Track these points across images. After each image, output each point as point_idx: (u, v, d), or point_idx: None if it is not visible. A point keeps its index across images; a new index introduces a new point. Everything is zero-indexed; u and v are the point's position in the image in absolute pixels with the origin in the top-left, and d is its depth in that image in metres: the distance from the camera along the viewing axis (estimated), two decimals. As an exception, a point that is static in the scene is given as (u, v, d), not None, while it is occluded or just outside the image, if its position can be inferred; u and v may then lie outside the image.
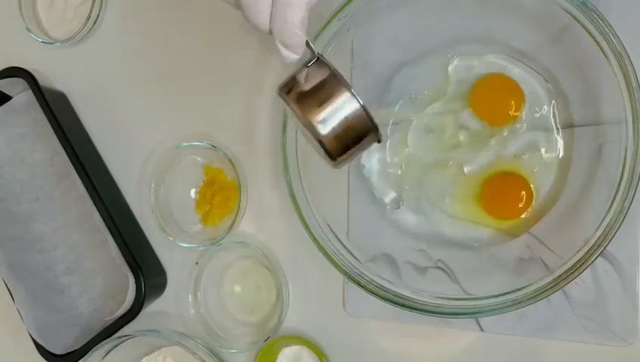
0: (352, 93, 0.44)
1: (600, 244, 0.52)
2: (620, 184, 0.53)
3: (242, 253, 0.66)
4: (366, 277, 0.57)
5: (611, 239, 0.52)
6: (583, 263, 0.53)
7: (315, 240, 0.57)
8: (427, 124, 0.62)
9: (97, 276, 0.67)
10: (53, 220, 0.67)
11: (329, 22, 0.57)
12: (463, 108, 0.62)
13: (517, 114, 0.60)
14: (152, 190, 0.67)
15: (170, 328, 0.67)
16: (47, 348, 0.65)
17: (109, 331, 0.64)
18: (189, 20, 0.69)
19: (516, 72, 0.61)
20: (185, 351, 0.63)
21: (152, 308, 0.67)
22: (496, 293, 0.55)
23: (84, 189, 0.65)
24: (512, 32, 0.60)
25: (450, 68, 0.62)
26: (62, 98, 0.70)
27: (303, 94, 0.45)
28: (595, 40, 0.54)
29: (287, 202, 0.58)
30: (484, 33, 0.61)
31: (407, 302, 0.55)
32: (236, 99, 0.67)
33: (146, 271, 0.64)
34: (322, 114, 0.44)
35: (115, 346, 0.62)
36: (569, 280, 0.53)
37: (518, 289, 0.54)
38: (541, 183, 0.60)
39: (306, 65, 0.46)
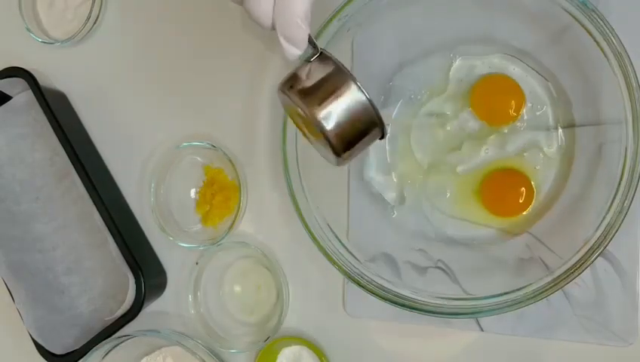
0: (358, 86, 0.44)
1: (600, 244, 0.52)
2: (620, 184, 0.53)
3: (242, 253, 0.66)
4: (366, 277, 0.57)
5: (611, 239, 0.52)
6: (583, 263, 0.53)
7: (315, 240, 0.57)
8: (427, 124, 0.62)
9: (97, 276, 0.67)
10: (53, 220, 0.67)
11: (329, 22, 0.57)
12: (463, 108, 0.62)
13: (517, 114, 0.60)
14: (152, 190, 0.67)
15: (170, 328, 0.67)
16: (47, 348, 0.64)
17: (109, 331, 0.64)
18: (189, 20, 0.69)
19: (516, 71, 0.61)
20: (185, 351, 0.63)
21: (152, 308, 0.67)
22: (496, 293, 0.54)
23: (84, 189, 0.65)
24: (512, 31, 0.60)
25: (452, 68, 0.62)
26: (62, 98, 0.70)
27: (306, 90, 0.44)
28: (595, 40, 0.54)
29: (287, 202, 0.58)
30: (484, 33, 0.61)
31: (407, 302, 0.55)
32: (236, 99, 0.67)
33: (146, 271, 0.64)
34: (328, 108, 0.44)
35: (115, 346, 0.62)
36: (569, 280, 0.53)
37: (518, 289, 0.54)
38: (541, 181, 0.60)
39: (307, 61, 0.45)
